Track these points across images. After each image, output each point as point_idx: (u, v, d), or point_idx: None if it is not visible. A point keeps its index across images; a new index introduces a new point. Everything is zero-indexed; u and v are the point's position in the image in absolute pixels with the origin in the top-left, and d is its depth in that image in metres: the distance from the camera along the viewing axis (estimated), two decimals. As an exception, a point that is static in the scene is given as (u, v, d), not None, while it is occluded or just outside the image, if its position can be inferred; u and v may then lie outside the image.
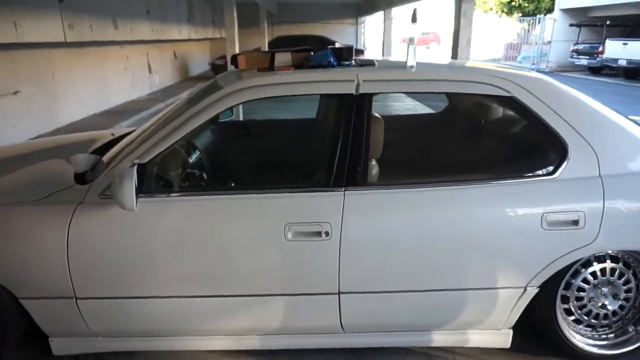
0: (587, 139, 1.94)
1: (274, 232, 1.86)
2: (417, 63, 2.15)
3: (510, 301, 1.98)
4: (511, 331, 2.09)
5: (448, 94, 2.34)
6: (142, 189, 1.82)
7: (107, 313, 1.97)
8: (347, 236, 1.86)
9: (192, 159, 2.22)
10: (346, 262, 1.88)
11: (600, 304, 2.06)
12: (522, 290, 1.96)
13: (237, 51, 6.97)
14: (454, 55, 6.72)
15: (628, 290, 2.06)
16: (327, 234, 1.85)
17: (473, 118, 2.59)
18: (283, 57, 2.23)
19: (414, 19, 2.16)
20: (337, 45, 2.20)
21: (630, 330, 2.10)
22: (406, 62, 2.14)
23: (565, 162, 1.92)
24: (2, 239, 1.86)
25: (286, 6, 17.40)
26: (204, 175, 2.02)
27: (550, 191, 1.90)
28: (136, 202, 1.71)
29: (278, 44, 13.29)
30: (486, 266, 1.93)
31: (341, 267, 1.89)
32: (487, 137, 2.37)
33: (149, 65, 11.06)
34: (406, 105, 8.56)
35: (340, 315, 1.98)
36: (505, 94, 1.97)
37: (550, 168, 1.94)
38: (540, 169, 1.96)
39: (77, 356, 2.10)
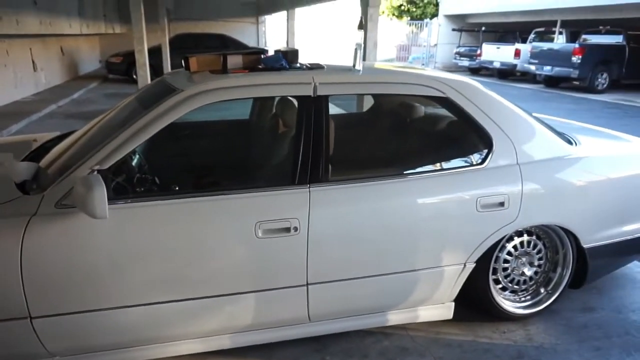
0: (507, 133, 2.29)
1: (244, 231, 1.91)
2: (363, 67, 2.34)
3: (453, 277, 2.27)
4: (453, 304, 2.38)
5: (392, 95, 2.56)
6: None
7: (66, 330, 1.85)
8: (314, 229, 1.98)
9: (151, 162, 2.16)
10: (314, 254, 2.00)
11: (520, 272, 2.45)
12: (463, 266, 2.25)
13: (145, 48, 6.61)
14: (363, 57, 7.12)
15: (540, 258, 2.47)
16: (295, 229, 1.95)
17: (401, 116, 2.86)
18: (234, 60, 2.27)
19: (360, 26, 2.34)
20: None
21: (542, 291, 2.52)
22: (354, 65, 2.32)
23: (491, 153, 2.25)
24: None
25: (183, 2, 16.76)
26: (168, 178, 1.99)
27: (481, 178, 2.22)
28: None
29: (178, 42, 12.78)
30: (433, 248, 2.19)
31: (309, 260, 2.01)
32: (424, 134, 2.65)
33: (33, 62, 9.95)
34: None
35: (308, 306, 2.10)
36: (441, 94, 2.24)
37: (480, 158, 2.26)
38: (472, 160, 2.27)
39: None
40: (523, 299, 2.51)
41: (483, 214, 2.19)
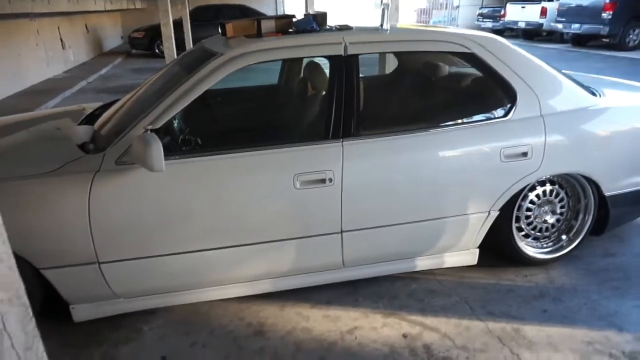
0: (530, 86, 2.37)
1: (284, 183, 2.09)
2: (390, 27, 2.43)
3: (478, 224, 2.41)
4: (477, 250, 2.53)
5: (420, 52, 2.66)
6: (161, 152, 1.94)
7: (130, 274, 2.09)
8: (347, 181, 2.14)
9: (194, 125, 2.34)
10: (347, 203, 2.17)
11: (542, 220, 2.57)
12: (487, 214, 2.39)
13: (170, 20, 6.73)
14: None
15: (562, 207, 2.58)
16: (330, 180, 2.12)
17: (426, 75, 2.95)
18: (267, 24, 2.40)
19: (386, -13, 2.43)
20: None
21: (564, 238, 2.64)
22: (381, 25, 2.42)
23: (515, 106, 2.34)
24: (19, 213, 1.90)
25: (201, -26, 16.65)
26: (213, 138, 2.17)
27: (505, 130, 2.32)
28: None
29: (198, 14, 12.83)
30: (458, 196, 2.33)
31: (343, 209, 2.18)
32: (450, 90, 2.74)
33: (61, 40, 10.22)
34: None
35: (342, 252, 2.28)
36: (467, 50, 2.33)
37: (504, 111, 2.36)
38: (496, 113, 2.37)
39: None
40: (545, 245, 2.64)
41: (506, 164, 2.31)
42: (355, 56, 2.21)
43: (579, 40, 13.19)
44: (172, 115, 2.02)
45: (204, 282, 2.25)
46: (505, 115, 2.35)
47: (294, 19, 2.47)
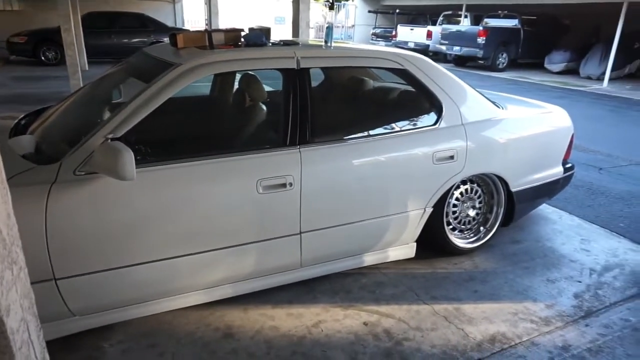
0: (453, 99, 2.76)
1: (248, 188, 2.18)
2: (333, 44, 2.66)
3: (416, 220, 2.72)
4: (415, 244, 2.84)
5: (362, 67, 2.92)
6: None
7: (89, 289, 2.00)
8: (305, 185, 2.30)
9: (154, 133, 2.31)
10: (305, 206, 2.32)
11: (466, 214, 2.98)
12: (423, 210, 2.71)
13: (72, 26, 6.26)
14: (295, 36, 7.39)
15: (480, 202, 3.01)
16: (290, 184, 2.25)
17: (355, 88, 3.23)
18: (217, 37, 2.47)
19: (331, 7, 2.65)
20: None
21: (481, 229, 3.08)
22: (326, 42, 2.63)
23: (442, 116, 2.71)
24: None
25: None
26: (174, 145, 2.16)
27: (436, 137, 2.67)
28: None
29: (89, 21, 11.97)
30: (400, 196, 2.61)
31: (302, 211, 2.33)
32: (387, 101, 3.04)
33: None
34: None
35: (301, 252, 2.42)
36: (400, 67, 2.64)
37: (434, 120, 2.71)
38: (428, 121, 2.71)
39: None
40: (468, 236, 3.04)
41: (438, 166, 2.65)
42: (307, 70, 2.39)
43: (460, 61, 14.92)
44: (133, 124, 2.00)
45: (167, 291, 2.22)
46: (435, 123, 2.70)
47: (243, 33, 2.57)
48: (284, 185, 2.24)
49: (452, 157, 2.69)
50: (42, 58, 12.01)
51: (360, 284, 2.62)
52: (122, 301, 2.13)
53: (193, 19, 19.92)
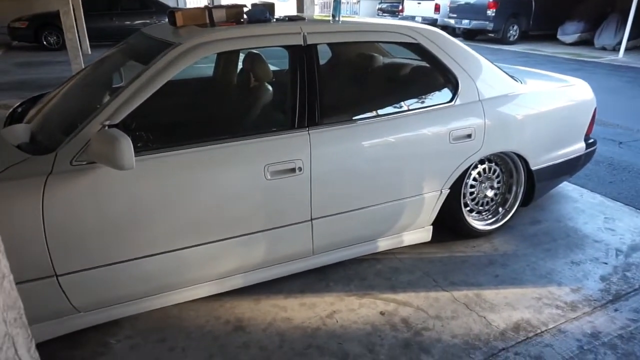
0: (469, 74, 2.59)
1: (255, 174, 2.06)
2: (341, 18, 2.49)
3: (432, 202, 2.59)
4: (431, 227, 2.72)
5: (372, 42, 2.76)
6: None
7: (93, 284, 1.91)
8: (315, 169, 2.17)
9: (154, 118, 2.19)
10: (316, 191, 2.20)
11: (484, 195, 2.84)
12: (439, 192, 2.58)
13: (71, 8, 6.08)
14: (300, 13, 7.15)
15: (498, 182, 2.87)
16: (299, 169, 2.13)
17: (365, 65, 3.07)
18: (218, 13, 2.31)
19: (337, -19, 2.48)
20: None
21: (500, 210, 2.94)
22: (333, 16, 2.47)
23: (458, 93, 2.55)
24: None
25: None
26: (176, 130, 2.04)
27: (452, 114, 2.52)
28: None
29: (88, 3, 11.71)
30: (415, 177, 2.48)
31: (313, 197, 2.21)
32: (400, 78, 2.88)
33: None
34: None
35: (312, 240, 2.31)
36: (413, 41, 2.47)
37: (450, 97, 2.55)
38: (444, 98, 2.56)
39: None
40: (486, 217, 2.91)
41: (455, 145, 2.51)
42: (314, 46, 2.24)
43: (469, 35, 14.49)
44: (131, 109, 1.88)
45: (174, 284, 2.13)
46: (451, 100, 2.54)
47: (245, 9, 2.41)
48: (293, 170, 2.12)
49: (469, 136, 2.54)
50: (44, 43, 11.84)
51: (375, 270, 2.52)
52: (128, 295, 2.04)
53: (196, 1, 19.53)
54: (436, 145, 2.47)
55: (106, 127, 1.76)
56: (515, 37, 13.71)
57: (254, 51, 2.55)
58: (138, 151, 1.89)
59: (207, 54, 2.03)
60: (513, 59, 10.79)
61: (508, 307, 2.22)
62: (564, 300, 2.27)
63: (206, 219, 2.03)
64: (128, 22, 12.22)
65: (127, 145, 1.66)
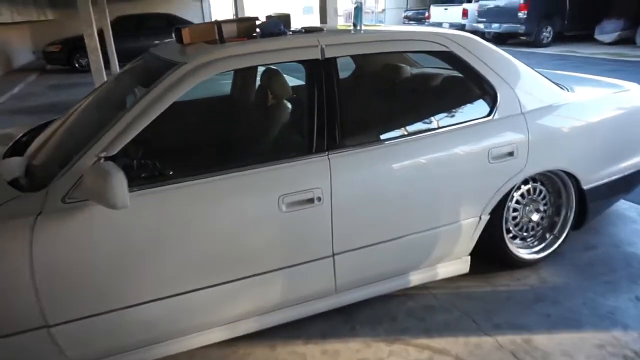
0: (509, 84, 2.30)
1: (269, 207, 1.83)
2: (363, 27, 2.26)
3: (470, 230, 2.29)
4: (469, 257, 2.42)
5: (399, 52, 2.52)
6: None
7: (90, 334, 1.72)
8: (337, 198, 1.92)
9: (156, 146, 2.00)
10: (338, 223, 1.95)
11: (528, 219, 2.51)
12: (479, 219, 2.28)
13: (94, 31, 6.13)
14: (323, 23, 6.97)
15: (545, 204, 2.54)
16: (319, 199, 1.89)
17: (392, 77, 2.81)
18: (229, 28, 2.12)
19: (356, -12, 2.25)
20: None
21: (548, 236, 2.60)
22: (354, 25, 2.23)
23: (497, 105, 2.26)
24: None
25: (118, -19, 15.68)
26: (178, 160, 1.85)
27: (491, 130, 2.23)
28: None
29: (119, 25, 11.98)
30: (451, 203, 2.20)
31: (334, 229, 1.96)
32: (429, 91, 2.61)
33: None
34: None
35: (335, 277, 2.06)
36: (445, 49, 2.21)
37: (487, 111, 2.26)
38: (481, 112, 2.27)
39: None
40: (532, 244, 2.58)
41: (494, 165, 2.21)
42: (334, 59, 2.00)
43: (500, 39, 13.98)
44: (129, 138, 1.69)
45: (181, 330, 1.91)
46: (489, 114, 2.25)
47: (257, 22, 2.21)
48: (311, 200, 1.88)
49: (511, 154, 2.24)
50: (76, 65, 12.16)
51: (406, 309, 2.23)
52: (130, 345, 1.84)
53: (221, 15, 19.80)
54: (474, 166, 2.19)
55: (102, 160, 1.58)
56: (549, 39, 13.12)
57: (272, 67, 2.35)
58: (139, 184, 1.70)
59: (214, 74, 1.83)
60: (548, 63, 10.26)
61: (564, 356, 1.89)
62: (633, 347, 1.92)
63: (215, 259, 1.81)
64: (157, 41, 12.43)
65: (120, 181, 1.47)
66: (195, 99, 2.58)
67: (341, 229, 1.97)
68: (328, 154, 1.94)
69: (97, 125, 1.79)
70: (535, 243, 2.59)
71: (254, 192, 1.83)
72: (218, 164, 1.86)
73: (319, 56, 1.97)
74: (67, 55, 12.00)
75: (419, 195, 2.10)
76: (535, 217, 2.53)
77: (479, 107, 2.29)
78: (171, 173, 1.76)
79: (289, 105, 2.18)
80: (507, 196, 2.34)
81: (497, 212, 2.34)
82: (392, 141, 2.08)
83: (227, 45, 1.93)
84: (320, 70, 1.97)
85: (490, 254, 2.48)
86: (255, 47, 1.93)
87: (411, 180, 2.08)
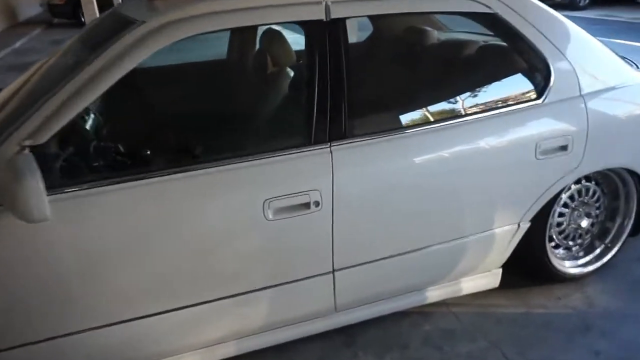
0: (567, 57, 1.80)
1: (250, 213, 1.42)
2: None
3: (505, 240, 1.86)
4: (500, 270, 1.99)
5: (428, 13, 2.02)
6: (47, 183, 1.19)
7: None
8: (341, 201, 1.50)
9: (109, 128, 1.58)
10: (341, 233, 1.54)
11: (576, 225, 2.06)
12: (517, 226, 1.84)
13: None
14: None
15: (597, 207, 2.08)
16: (317, 203, 1.47)
17: (416, 44, 2.30)
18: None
19: None
20: None
21: (597, 244, 2.15)
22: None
23: (550, 84, 1.77)
24: None
25: None
26: (134, 149, 1.43)
27: (541, 117, 1.76)
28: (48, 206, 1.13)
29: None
30: (482, 209, 1.77)
31: (335, 241, 1.55)
32: (462, 64, 2.10)
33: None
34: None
35: (334, 295, 1.66)
36: (487, 10, 1.70)
37: (537, 92, 1.77)
38: (528, 94, 1.78)
39: None
40: (577, 255, 2.14)
41: (543, 162, 1.75)
42: (342, 21, 1.52)
43: (533, 1, 12.95)
44: (66, 120, 1.27)
45: (145, 357, 1.56)
46: (539, 96, 1.76)
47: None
48: (306, 205, 1.46)
49: (564, 148, 1.77)
50: (83, 19, 11.62)
51: (421, 334, 1.84)
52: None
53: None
54: (516, 163, 1.73)
55: (26, 150, 1.17)
56: (587, 1, 12.08)
57: (274, 27, 1.89)
58: (81, 182, 1.30)
59: (182, 37, 1.38)
60: (586, 27, 9.37)
61: (623, 414, 1.50)
62: None
63: (181, 278, 1.43)
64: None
65: (32, 184, 1.07)
66: (165, 66, 2.12)
67: (344, 240, 1.56)
68: (330, 146, 1.49)
69: (33, 103, 1.37)
70: (582, 253, 2.14)
71: (232, 194, 1.42)
72: (182, 157, 1.43)
73: (322, 16, 1.49)
74: (72, 9, 11.42)
75: (443, 197, 1.67)
76: (584, 223, 2.07)
77: (526, 87, 1.81)
78: (120, 170, 1.35)
79: (283, 81, 1.73)
80: (554, 199, 1.88)
81: (541, 218, 1.89)
82: (413, 130, 1.62)
83: (204, 1, 1.46)
84: (323, 34, 1.50)
85: (525, 264, 2.05)
86: (241, 2, 1.45)
87: (435, 181, 1.64)
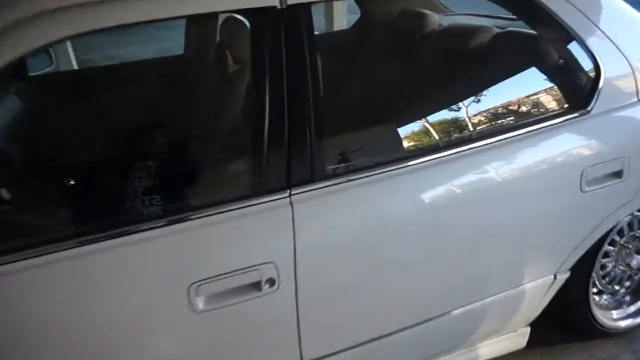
0: (621, 50, 1.31)
1: (170, 304, 0.95)
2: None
3: (537, 296, 1.40)
4: (529, 328, 1.53)
5: None
6: None
7: None
8: (308, 274, 1.03)
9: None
10: (309, 316, 1.08)
11: (624, 266, 1.59)
12: (552, 278, 1.38)
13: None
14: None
15: (649, 242, 1.61)
16: (271, 282, 0.99)
17: (413, 33, 1.80)
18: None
19: None
20: None
21: (647, 288, 1.69)
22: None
23: (598, 88, 1.28)
24: None
25: None
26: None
27: (587, 133, 1.28)
28: None
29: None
30: (508, 263, 1.30)
31: (302, 327, 1.08)
32: (467, 63, 1.57)
33: None
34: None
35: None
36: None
37: (581, 99, 1.29)
38: (566, 102, 1.30)
39: None
40: (623, 301, 1.67)
41: (590, 194, 1.28)
42: (303, 7, 1.02)
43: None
44: None
45: None
46: (585, 105, 1.28)
47: None
48: (255, 286, 0.99)
49: (617, 175, 1.30)
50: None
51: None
52: None
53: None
54: (554, 200, 1.27)
55: None
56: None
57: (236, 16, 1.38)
58: None
59: (52, 39, 0.88)
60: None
61: None
62: None
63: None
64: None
65: None
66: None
67: (315, 325, 1.10)
68: (290, 195, 1.01)
69: None
70: (629, 299, 1.68)
71: (142, 277, 0.94)
72: (74, 222, 0.95)
73: (276, 3, 0.99)
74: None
75: (455, 250, 1.20)
76: (634, 262, 1.60)
77: (564, 92, 1.33)
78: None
79: (225, 100, 1.23)
80: (602, 241, 1.41)
81: (583, 264, 1.42)
82: (413, 162, 1.13)
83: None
84: (277, 27, 1.00)
85: (559, 315, 1.58)
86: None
87: (443, 231, 1.17)
